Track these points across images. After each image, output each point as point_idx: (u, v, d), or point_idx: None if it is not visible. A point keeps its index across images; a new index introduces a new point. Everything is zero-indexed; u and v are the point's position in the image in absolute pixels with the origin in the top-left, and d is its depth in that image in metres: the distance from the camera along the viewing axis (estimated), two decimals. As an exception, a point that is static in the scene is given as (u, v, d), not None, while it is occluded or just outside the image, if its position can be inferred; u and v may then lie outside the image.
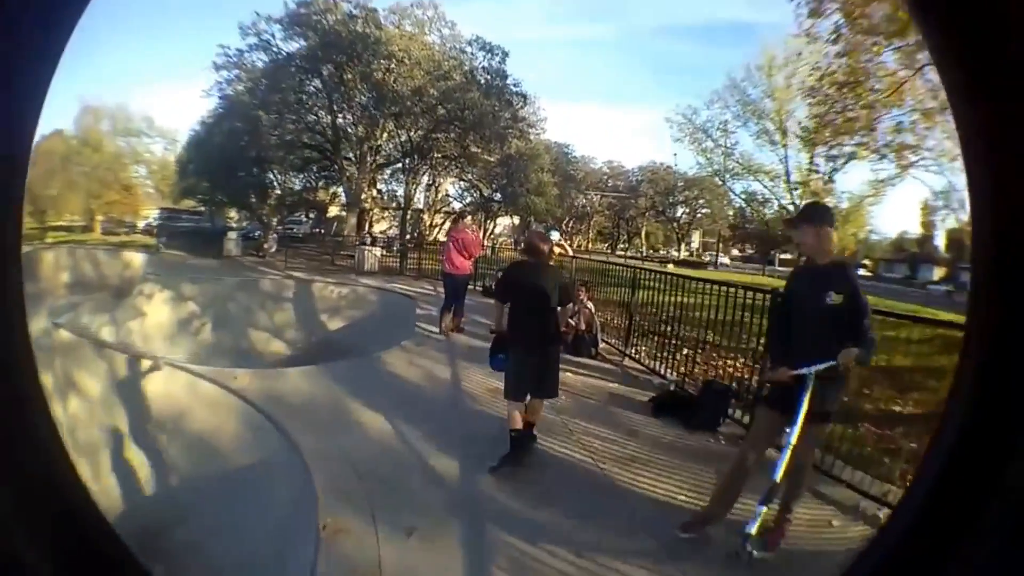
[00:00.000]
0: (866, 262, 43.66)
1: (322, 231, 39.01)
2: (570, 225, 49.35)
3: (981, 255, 1.36)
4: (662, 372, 9.24)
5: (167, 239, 31.92)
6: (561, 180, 40.89)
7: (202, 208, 38.01)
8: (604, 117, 65.26)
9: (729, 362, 8.95)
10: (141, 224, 40.56)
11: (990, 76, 1.21)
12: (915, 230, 42.46)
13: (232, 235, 30.05)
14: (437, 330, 12.09)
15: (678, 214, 50.63)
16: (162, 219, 38.05)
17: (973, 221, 1.35)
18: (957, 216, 35.66)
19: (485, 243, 23.22)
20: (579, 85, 60.27)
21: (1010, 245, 1.26)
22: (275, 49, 30.52)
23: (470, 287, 13.53)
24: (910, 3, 1.40)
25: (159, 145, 44.66)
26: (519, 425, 5.92)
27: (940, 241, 43.82)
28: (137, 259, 24.95)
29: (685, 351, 9.36)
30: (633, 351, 10.59)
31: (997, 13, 1.14)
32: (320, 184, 38.65)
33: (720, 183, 42.39)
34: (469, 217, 13.79)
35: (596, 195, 49.25)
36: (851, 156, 31.34)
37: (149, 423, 8.97)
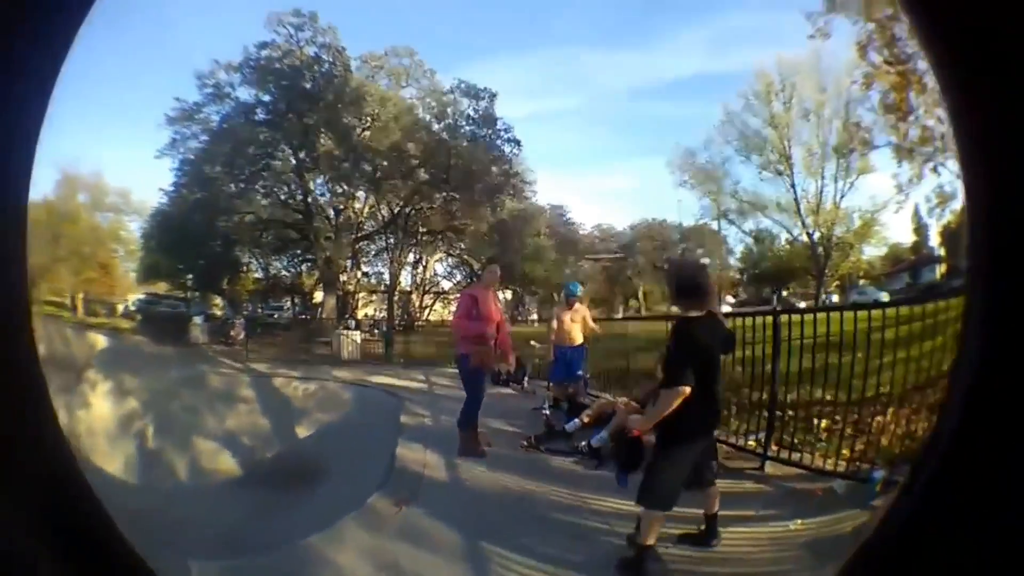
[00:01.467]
0: (862, 281, 38.87)
1: (307, 317, 34.55)
2: (558, 296, 46.11)
3: (977, 250, 1.51)
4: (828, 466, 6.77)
5: (143, 324, 30.10)
6: (558, 244, 38.24)
7: (179, 292, 34.35)
8: (584, 185, 63.40)
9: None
10: (121, 307, 37.12)
11: (984, 74, 1.36)
12: (906, 238, 38.80)
13: (198, 320, 28.31)
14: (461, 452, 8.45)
15: None
16: (142, 303, 34.37)
17: (969, 217, 1.50)
18: (950, 209, 30.53)
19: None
20: (554, 157, 58.39)
21: (1006, 241, 1.40)
22: (232, 101, 28.02)
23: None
24: (904, 4, 1.62)
25: (136, 223, 41.22)
26: (653, 541, 4.71)
27: (933, 241, 39.41)
28: (100, 342, 23.24)
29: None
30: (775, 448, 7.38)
31: (991, 13, 1.30)
32: (304, 268, 35.46)
33: (717, 228, 41.32)
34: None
35: (590, 261, 45.74)
36: (861, 171, 30.85)
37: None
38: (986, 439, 1.45)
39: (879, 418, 6.96)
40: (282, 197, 30.13)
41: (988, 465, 1.44)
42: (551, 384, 11.79)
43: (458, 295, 36.49)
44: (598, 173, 57.81)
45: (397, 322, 30.69)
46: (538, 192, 35.62)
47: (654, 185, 60.95)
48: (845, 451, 6.69)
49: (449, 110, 29.86)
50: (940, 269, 38.54)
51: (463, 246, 34.69)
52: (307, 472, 10.71)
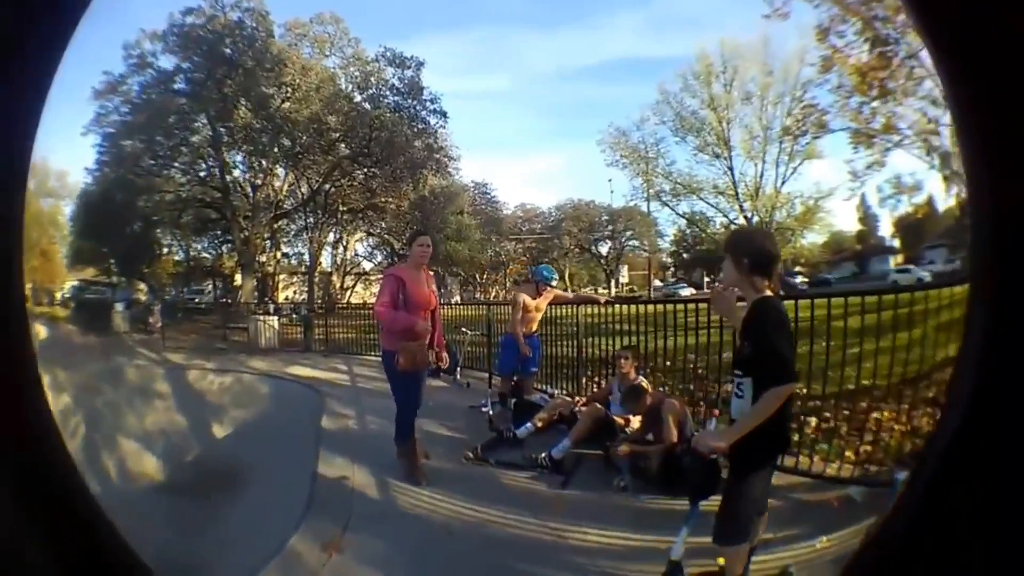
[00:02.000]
0: (799, 270, 38.96)
1: (228, 301, 33.05)
2: (484, 277, 45.01)
3: (980, 248, 1.57)
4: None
5: (73, 312, 28.27)
6: (482, 223, 37.46)
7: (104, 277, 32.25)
8: (509, 165, 63.27)
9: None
10: (58, 295, 35.53)
11: (988, 69, 1.41)
12: (852, 226, 39.10)
13: (119, 307, 26.86)
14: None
15: (603, 250, 46.25)
16: (74, 290, 32.75)
17: (972, 211, 1.56)
18: (910, 200, 31.68)
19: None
20: (479, 137, 58.12)
21: (1009, 237, 1.44)
22: (154, 70, 25.93)
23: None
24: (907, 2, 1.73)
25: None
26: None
27: (885, 231, 40.12)
28: (42, 332, 20.67)
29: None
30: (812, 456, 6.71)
31: (993, 9, 1.35)
32: (224, 249, 33.13)
33: (646, 210, 40.77)
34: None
35: (512, 243, 44.73)
36: (807, 156, 30.96)
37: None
38: (991, 436, 1.48)
39: (885, 413, 6.77)
40: (201, 174, 28.41)
41: (993, 462, 1.47)
42: (498, 376, 10.50)
43: (381, 276, 35.50)
44: (524, 153, 57.87)
45: (317, 305, 29.35)
46: (462, 170, 34.94)
47: (581, 167, 60.73)
48: (849, 452, 6.36)
49: (372, 79, 28.50)
50: (895, 260, 39.33)
51: (384, 225, 33.62)
52: (224, 482, 8.95)
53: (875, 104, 23.63)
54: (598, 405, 7.67)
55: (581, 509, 5.85)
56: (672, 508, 5.59)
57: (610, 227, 44.58)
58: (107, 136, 26.17)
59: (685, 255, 46.57)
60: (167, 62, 25.83)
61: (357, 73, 28.48)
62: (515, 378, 9.77)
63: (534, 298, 9.67)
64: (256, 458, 9.27)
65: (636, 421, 7.41)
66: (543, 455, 7.08)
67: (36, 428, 1.63)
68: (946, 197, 26.05)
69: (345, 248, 34.74)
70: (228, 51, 25.46)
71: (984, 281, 1.56)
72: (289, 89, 25.59)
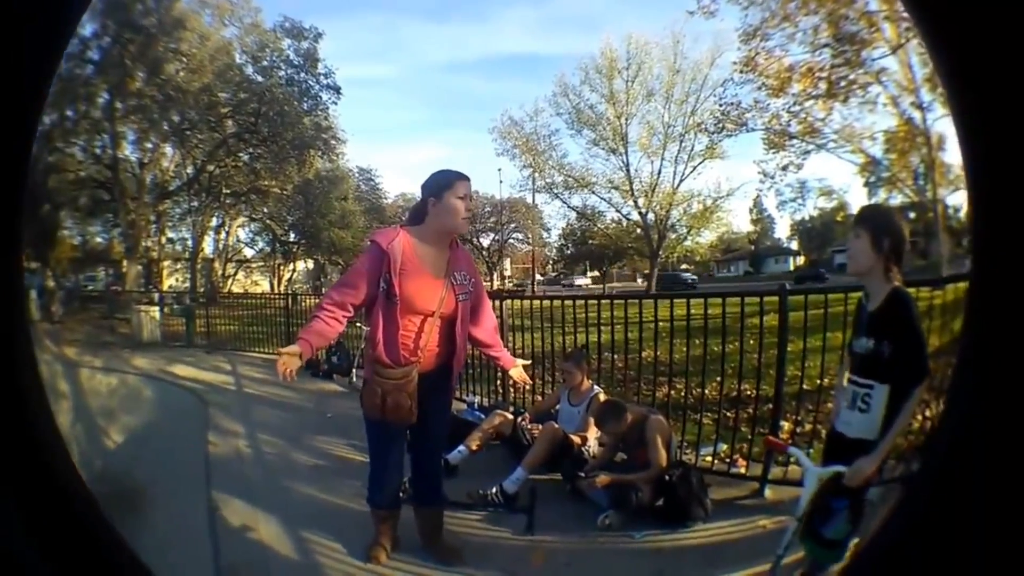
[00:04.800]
0: (686, 266, 42.01)
1: (118, 289, 30.69)
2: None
3: (981, 250, 1.56)
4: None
5: None
6: (366, 211, 35.57)
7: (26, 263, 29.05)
8: (393, 154, 63.32)
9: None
10: None
11: (987, 69, 1.38)
12: (742, 227, 42.63)
13: (33, 295, 22.45)
14: None
15: (485, 243, 45.34)
16: None
17: (973, 215, 1.56)
18: (815, 204, 33.63)
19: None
20: (365, 123, 58.09)
21: (1009, 241, 1.41)
22: (77, 39, 23.38)
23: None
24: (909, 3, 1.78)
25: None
26: None
27: (781, 232, 43.38)
28: None
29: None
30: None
31: (996, 11, 1.32)
32: (115, 233, 30.63)
33: (532, 201, 40.34)
34: None
35: None
36: (706, 155, 31.27)
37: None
38: (990, 437, 1.47)
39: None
40: (96, 152, 26.31)
41: (992, 463, 1.46)
42: None
43: (264, 264, 33.36)
44: (409, 142, 57.89)
45: (199, 295, 27.36)
46: (347, 156, 33.60)
47: (466, 158, 60.89)
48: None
49: (268, 50, 27.20)
50: (796, 261, 40.63)
51: (266, 210, 32.02)
52: (125, 503, 7.22)
53: (798, 106, 23.90)
54: (555, 425, 6.12)
55: (565, 561, 4.59)
56: (678, 543, 4.78)
57: (493, 219, 43.84)
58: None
59: (571, 249, 46.16)
60: (89, 28, 23.91)
61: (253, 43, 27.14)
62: None
63: None
64: (149, 481, 7.09)
65: (593, 437, 6.21)
66: (493, 490, 5.51)
67: (36, 428, 1.63)
68: (869, 200, 26.41)
69: (228, 234, 32.98)
70: (137, 14, 23.90)
71: (985, 281, 1.56)
72: (185, 58, 24.36)
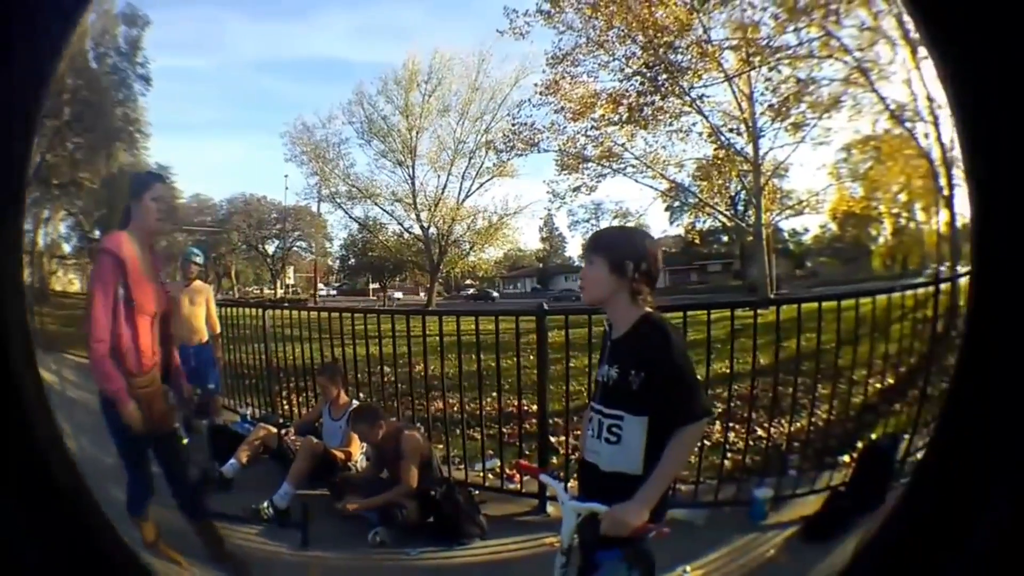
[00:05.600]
0: (470, 282, 39.75)
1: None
2: (178, 267, 42.19)
3: (981, 246, 1.62)
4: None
5: None
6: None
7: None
8: (194, 153, 60.62)
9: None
10: None
11: (990, 68, 1.43)
12: (530, 245, 40.21)
13: None
14: None
15: (270, 249, 44.47)
16: None
17: (974, 226, 1.62)
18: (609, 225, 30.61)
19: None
20: (171, 119, 55.16)
21: (1009, 241, 1.46)
22: None
23: None
24: (911, 6, 1.82)
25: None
26: None
27: (574, 251, 39.94)
28: None
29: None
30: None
31: (998, 18, 1.37)
32: None
33: (317, 210, 37.67)
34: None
35: (184, 235, 41.86)
36: (496, 172, 29.37)
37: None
38: (990, 440, 1.51)
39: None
40: None
41: (989, 466, 1.50)
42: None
43: (76, 261, 31.66)
44: (211, 142, 55.61)
45: (35, 291, 25.00)
46: (151, 151, 31.34)
47: (260, 161, 59.26)
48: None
49: (107, 36, 25.32)
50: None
51: (79, 203, 29.45)
52: None
53: (597, 130, 23.49)
54: (314, 439, 6.28)
55: None
56: (459, 561, 4.88)
57: (279, 225, 43.00)
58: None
59: (352, 260, 45.83)
60: None
61: (99, 29, 25.21)
62: (195, 397, 7.83)
63: (182, 292, 7.63)
64: None
65: (358, 452, 6.34)
66: (264, 504, 5.59)
67: (36, 429, 1.63)
68: (669, 224, 27.13)
69: (53, 227, 30.61)
70: None
71: (985, 281, 1.62)
72: None
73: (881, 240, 24.06)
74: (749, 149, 22.07)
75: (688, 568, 4.21)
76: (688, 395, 2.89)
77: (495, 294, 36.68)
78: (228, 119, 56.59)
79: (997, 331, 1.51)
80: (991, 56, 1.39)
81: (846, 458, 5.87)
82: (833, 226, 26.99)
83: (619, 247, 3.10)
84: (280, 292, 42.98)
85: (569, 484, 4.98)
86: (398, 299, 41.69)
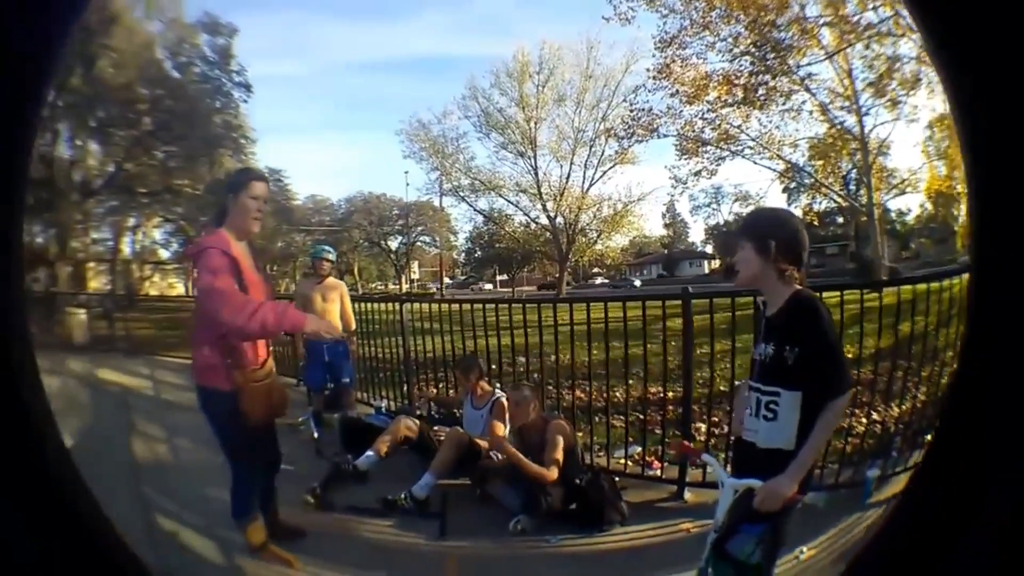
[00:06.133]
0: (597, 270, 42.61)
1: (53, 290, 29.84)
2: (274, 268, 43.01)
3: (981, 254, 1.62)
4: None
5: None
6: (275, 212, 35.14)
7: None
8: (300, 155, 63.15)
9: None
10: None
11: (990, 67, 1.41)
12: (655, 231, 43.53)
13: None
14: None
15: (393, 245, 44.86)
16: None
17: (973, 210, 1.60)
18: (730, 209, 35.64)
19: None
20: (272, 122, 57.66)
21: (1008, 234, 1.45)
22: None
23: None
24: (911, 4, 1.81)
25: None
26: None
27: (696, 237, 44.83)
28: None
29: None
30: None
31: (994, 10, 1.36)
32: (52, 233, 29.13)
33: (439, 204, 40.36)
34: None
35: (302, 235, 42.63)
36: (617, 160, 31.04)
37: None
38: (992, 434, 1.50)
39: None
40: (43, 150, 24.41)
41: (994, 458, 1.48)
42: (308, 391, 8.60)
43: (179, 265, 32.44)
44: (316, 143, 57.32)
45: (119, 297, 26.28)
46: (257, 155, 32.35)
47: (373, 160, 60.60)
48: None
49: (186, 46, 26.66)
50: (711, 264, 41.30)
51: (179, 210, 30.32)
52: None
53: (713, 113, 23.72)
54: (460, 429, 6.19)
55: (482, 567, 4.67)
56: (597, 548, 4.78)
57: (401, 222, 43.60)
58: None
59: (479, 252, 46.01)
60: None
61: (173, 38, 26.49)
62: (327, 391, 8.05)
63: (314, 289, 7.91)
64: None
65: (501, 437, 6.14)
66: (403, 495, 5.47)
67: (36, 428, 1.63)
68: (788, 206, 27.09)
69: (145, 234, 31.61)
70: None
71: (985, 278, 1.60)
72: (114, 53, 23.29)
73: (961, 219, 23.97)
74: (856, 127, 21.94)
75: (804, 549, 4.31)
76: (837, 368, 3.00)
77: (637, 283, 36.51)
78: (334, 121, 57.52)
79: (997, 331, 1.53)
80: (991, 56, 1.39)
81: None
82: (929, 205, 27.19)
83: (761, 228, 3.22)
84: (405, 287, 43.59)
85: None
86: (525, 291, 41.81)
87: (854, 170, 24.61)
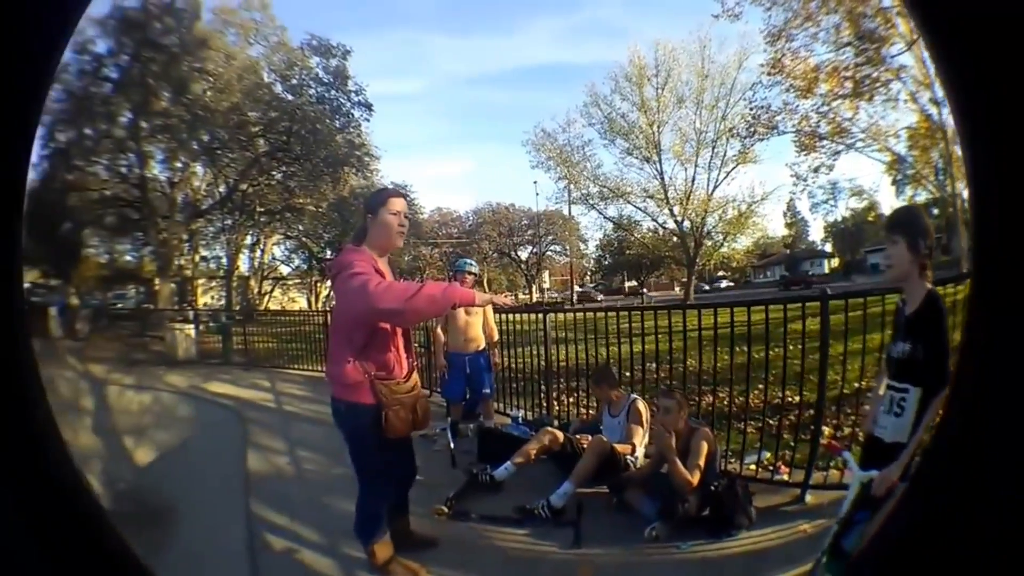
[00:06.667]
0: (723, 274, 43.69)
1: (150, 307, 30.66)
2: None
3: (982, 245, 1.59)
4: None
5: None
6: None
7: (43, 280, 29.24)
8: (421, 169, 64.43)
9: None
10: None
11: (990, 67, 1.41)
12: (776, 232, 42.61)
13: (53, 311, 22.91)
14: None
15: (523, 255, 44.93)
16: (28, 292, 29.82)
17: (973, 211, 1.59)
18: (847, 205, 33.41)
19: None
20: (392, 139, 58.82)
21: (1010, 236, 1.44)
22: (90, 55, 23.68)
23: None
24: (910, 4, 1.78)
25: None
26: None
27: (815, 235, 44.64)
28: None
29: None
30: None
31: (995, 9, 1.36)
32: (145, 251, 30.14)
33: (568, 213, 40.72)
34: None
35: (430, 248, 43.09)
36: (739, 160, 31.03)
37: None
38: (992, 434, 1.50)
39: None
40: (123, 170, 26.16)
41: (994, 460, 1.48)
42: (446, 403, 8.50)
43: (301, 281, 33.06)
44: (439, 158, 58.00)
45: (235, 312, 27.23)
46: (382, 172, 33.15)
47: (494, 171, 60.94)
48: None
49: (296, 68, 27.26)
50: (830, 263, 41.19)
51: (301, 228, 31.84)
52: (153, 519, 7.00)
53: (826, 106, 23.97)
54: (603, 438, 6.03)
55: (616, 572, 4.56)
56: (722, 552, 4.70)
57: (531, 231, 43.92)
58: (47, 127, 23.95)
59: (608, 260, 45.99)
60: (103, 46, 23.94)
61: (280, 62, 27.18)
62: (465, 402, 8.29)
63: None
64: (182, 499, 6.81)
65: (640, 447, 6.15)
66: (540, 504, 5.40)
67: (36, 428, 1.64)
68: (896, 199, 26.95)
69: (263, 252, 32.94)
70: (156, 33, 23.69)
71: (986, 280, 1.59)
72: (211, 78, 24.18)
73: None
74: (938, 116, 21.93)
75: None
76: (946, 364, 3.14)
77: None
78: (455, 134, 58.49)
79: (997, 331, 1.52)
80: (991, 56, 1.38)
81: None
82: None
83: (913, 225, 3.40)
84: (536, 296, 43.79)
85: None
86: (652, 297, 41.81)
87: (940, 160, 24.28)
